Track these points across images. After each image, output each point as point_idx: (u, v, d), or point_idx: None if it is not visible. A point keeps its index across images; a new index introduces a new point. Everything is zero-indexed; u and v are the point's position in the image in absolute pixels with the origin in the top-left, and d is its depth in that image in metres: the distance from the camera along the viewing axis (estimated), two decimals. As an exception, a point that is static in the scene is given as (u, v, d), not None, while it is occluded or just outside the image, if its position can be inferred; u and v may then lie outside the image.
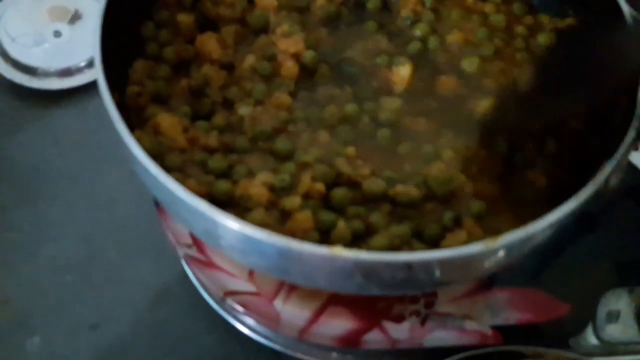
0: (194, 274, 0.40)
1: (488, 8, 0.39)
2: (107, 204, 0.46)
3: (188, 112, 0.32)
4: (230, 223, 0.25)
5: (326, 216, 0.28)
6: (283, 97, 0.33)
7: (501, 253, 0.27)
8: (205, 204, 0.26)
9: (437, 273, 0.26)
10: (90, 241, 0.44)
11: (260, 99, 0.33)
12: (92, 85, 0.49)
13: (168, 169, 0.28)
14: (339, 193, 0.29)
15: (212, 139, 0.31)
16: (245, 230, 0.25)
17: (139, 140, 0.27)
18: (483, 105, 0.34)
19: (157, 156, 0.29)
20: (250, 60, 0.34)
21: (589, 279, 0.40)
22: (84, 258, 0.44)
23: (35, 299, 0.42)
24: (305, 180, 0.29)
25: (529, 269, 0.39)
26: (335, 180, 0.30)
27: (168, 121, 0.31)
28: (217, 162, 0.30)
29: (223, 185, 0.29)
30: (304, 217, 0.27)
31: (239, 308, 0.37)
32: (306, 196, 0.29)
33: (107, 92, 0.28)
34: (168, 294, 0.42)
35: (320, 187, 0.29)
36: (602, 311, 0.37)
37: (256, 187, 0.29)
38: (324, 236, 0.28)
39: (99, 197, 0.46)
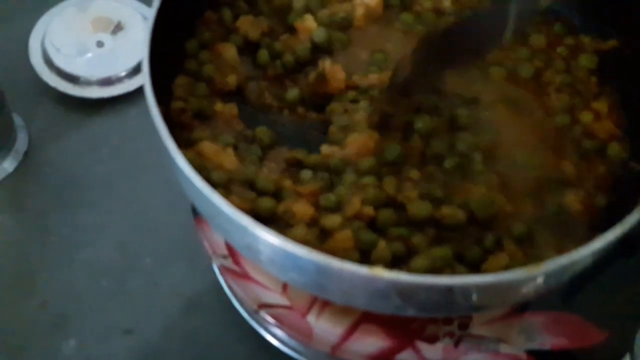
0: (228, 284, 0.41)
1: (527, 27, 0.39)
2: (143, 211, 0.46)
3: (231, 142, 0.32)
4: (271, 238, 0.26)
5: (367, 236, 0.28)
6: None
7: (540, 279, 0.27)
8: (247, 219, 0.26)
9: (475, 297, 0.26)
10: (126, 247, 0.45)
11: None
12: (131, 95, 0.51)
13: (213, 184, 0.28)
14: (384, 215, 0.29)
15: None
16: (285, 246, 0.25)
17: (184, 154, 0.28)
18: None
19: (202, 170, 0.30)
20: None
21: (628, 306, 0.39)
22: (120, 264, 0.44)
23: (72, 302, 0.43)
24: (355, 203, 0.29)
25: (565, 293, 0.38)
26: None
27: (212, 149, 0.31)
28: (265, 182, 0.31)
29: (266, 203, 0.29)
30: (344, 237, 0.27)
31: (272, 320, 0.37)
32: (354, 218, 0.29)
33: (155, 104, 0.29)
34: (201, 303, 0.43)
35: (369, 210, 0.29)
36: (640, 340, 0.36)
37: (301, 205, 0.29)
38: (365, 256, 0.28)
39: (136, 204, 0.47)
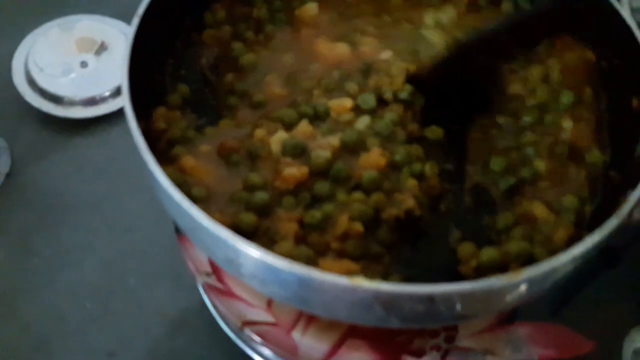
0: (212, 303, 0.40)
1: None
2: (127, 231, 0.46)
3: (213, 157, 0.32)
4: (251, 251, 0.25)
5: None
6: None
7: (523, 287, 0.26)
8: (227, 232, 0.26)
9: (458, 306, 0.26)
10: (110, 268, 0.44)
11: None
12: (115, 115, 0.51)
13: (193, 199, 0.28)
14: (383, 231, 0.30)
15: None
16: (266, 259, 0.25)
17: (164, 170, 0.28)
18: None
19: (182, 185, 0.30)
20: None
21: (614, 316, 0.39)
22: (103, 285, 0.44)
23: (55, 324, 0.42)
24: (343, 221, 0.29)
25: (551, 304, 0.38)
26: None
27: (193, 163, 0.31)
28: (245, 195, 0.30)
29: (248, 218, 0.29)
30: (330, 265, 0.28)
31: (257, 338, 0.37)
32: (344, 237, 0.29)
33: (134, 120, 0.29)
34: (186, 323, 0.42)
35: (358, 227, 0.29)
36: (627, 349, 0.36)
37: (285, 222, 0.29)
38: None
39: (119, 224, 0.46)
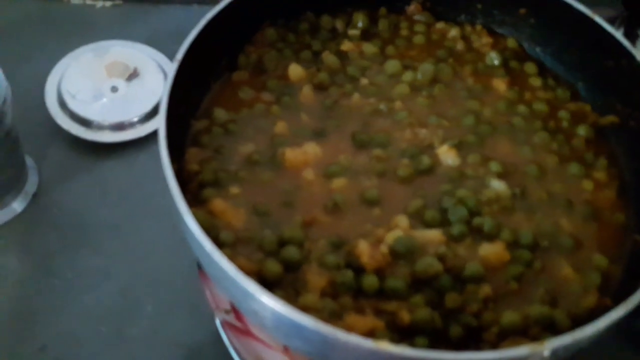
0: (229, 338, 0.41)
1: (529, 95, 0.40)
2: (147, 257, 0.47)
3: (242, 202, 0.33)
4: (277, 306, 0.26)
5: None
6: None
7: (547, 355, 0.26)
8: (254, 285, 0.26)
9: (481, 372, 0.26)
10: (128, 293, 0.45)
11: None
12: (142, 140, 0.51)
13: (221, 244, 0.29)
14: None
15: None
16: (291, 315, 0.26)
17: (195, 215, 0.28)
18: None
19: (210, 229, 0.30)
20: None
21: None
22: (121, 310, 0.44)
23: (70, 347, 0.43)
24: (405, 316, 0.29)
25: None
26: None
27: (222, 207, 0.32)
28: (270, 243, 0.31)
29: (274, 268, 0.29)
30: (354, 321, 0.28)
31: (272, 378, 0.37)
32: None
33: (169, 165, 0.29)
34: (200, 354, 0.43)
35: (406, 317, 0.29)
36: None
37: (314, 275, 0.29)
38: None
39: (140, 250, 0.47)
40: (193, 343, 0.43)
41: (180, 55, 0.32)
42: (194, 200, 0.32)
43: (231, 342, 0.41)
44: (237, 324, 0.37)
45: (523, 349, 0.25)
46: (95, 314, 0.44)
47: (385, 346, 0.24)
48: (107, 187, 0.50)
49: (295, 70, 0.39)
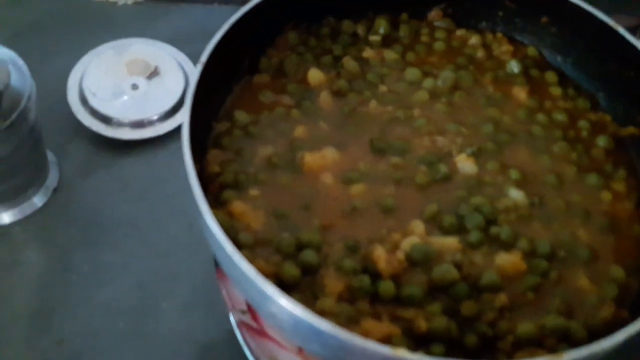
0: (243, 337, 0.41)
1: (549, 104, 0.40)
2: (164, 254, 0.47)
3: (261, 204, 0.33)
4: (296, 310, 0.26)
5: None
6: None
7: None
8: (273, 288, 0.27)
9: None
10: (145, 289, 0.46)
11: None
12: (161, 138, 0.52)
13: (239, 245, 0.29)
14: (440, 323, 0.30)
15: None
16: (309, 319, 0.26)
17: (215, 216, 0.29)
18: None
19: (230, 230, 0.31)
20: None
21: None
22: (137, 305, 0.45)
23: (88, 341, 0.43)
24: (422, 324, 0.29)
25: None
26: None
27: (242, 208, 0.32)
28: (289, 246, 0.31)
29: (292, 271, 0.30)
30: (372, 326, 0.28)
31: (285, 378, 0.37)
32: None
33: (192, 166, 0.30)
34: (214, 352, 0.43)
35: (423, 325, 0.29)
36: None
37: (332, 279, 0.29)
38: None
39: (157, 247, 0.47)
40: (208, 340, 0.44)
41: (204, 57, 0.33)
42: (215, 201, 0.33)
43: (246, 342, 0.41)
44: (253, 324, 0.37)
45: (539, 361, 0.25)
46: (112, 309, 0.45)
47: (403, 354, 0.24)
48: (126, 183, 0.50)
49: (314, 75, 0.39)
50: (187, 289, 0.46)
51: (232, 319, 0.43)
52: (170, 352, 0.43)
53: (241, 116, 0.37)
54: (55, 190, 0.49)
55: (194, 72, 0.33)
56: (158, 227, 0.48)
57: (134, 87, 0.53)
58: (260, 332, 0.37)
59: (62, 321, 0.44)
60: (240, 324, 0.39)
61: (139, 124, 0.52)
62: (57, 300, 0.45)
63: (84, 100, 0.52)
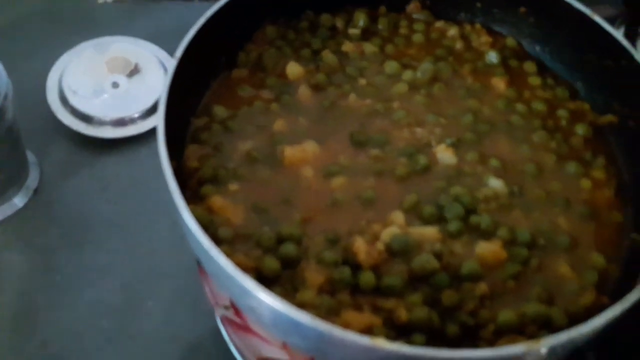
0: (228, 334, 0.41)
1: (528, 94, 0.40)
2: (148, 253, 0.47)
3: (241, 199, 0.33)
4: (275, 303, 0.26)
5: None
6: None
7: (543, 353, 0.27)
8: (251, 282, 0.27)
9: (477, 369, 0.26)
10: (129, 289, 0.45)
11: None
12: (143, 136, 0.52)
13: (219, 240, 0.29)
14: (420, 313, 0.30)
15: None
16: (288, 312, 0.26)
17: (193, 211, 0.29)
18: None
19: (209, 225, 0.30)
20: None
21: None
22: (122, 305, 0.45)
23: (72, 342, 0.43)
24: (402, 314, 0.29)
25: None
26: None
27: (221, 203, 0.32)
28: (269, 240, 0.31)
29: (272, 264, 0.30)
30: (352, 317, 0.28)
31: (271, 374, 0.37)
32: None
33: (168, 161, 0.29)
34: (200, 350, 0.43)
35: (404, 315, 0.29)
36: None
37: (312, 272, 0.29)
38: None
39: (141, 246, 0.47)
40: (193, 339, 0.44)
41: (179, 52, 0.32)
42: (194, 197, 0.33)
43: (231, 338, 0.41)
44: (236, 319, 0.37)
45: (519, 347, 0.25)
46: (96, 309, 0.44)
47: (382, 343, 0.24)
48: (108, 182, 0.50)
49: (293, 69, 0.39)
50: (171, 288, 0.45)
51: (216, 316, 0.43)
52: (156, 352, 0.43)
53: (220, 111, 0.37)
54: (36, 190, 0.49)
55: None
56: (141, 226, 0.48)
57: (115, 85, 0.52)
58: (244, 328, 0.37)
59: (45, 323, 0.43)
60: (225, 320, 0.39)
61: (120, 122, 0.51)
62: (40, 301, 0.44)
63: (64, 100, 0.51)
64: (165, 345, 0.43)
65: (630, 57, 0.37)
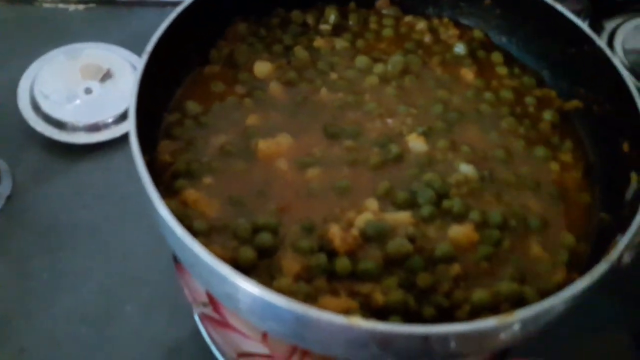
0: (208, 332, 0.41)
1: (496, 83, 0.41)
2: (125, 257, 0.46)
3: (215, 192, 0.33)
4: (250, 288, 0.26)
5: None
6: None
7: (516, 327, 0.27)
8: (227, 268, 0.27)
9: (453, 345, 0.26)
10: (107, 294, 0.45)
11: None
12: (117, 141, 0.51)
13: (194, 232, 0.29)
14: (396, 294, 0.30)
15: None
16: (264, 296, 0.26)
17: (167, 205, 0.28)
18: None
19: (184, 218, 0.30)
20: None
21: (607, 350, 0.39)
22: (100, 310, 0.44)
23: (50, 350, 0.42)
24: (378, 298, 0.29)
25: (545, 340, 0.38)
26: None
27: (195, 196, 0.32)
28: (244, 230, 0.31)
29: (248, 254, 0.30)
30: (328, 302, 0.28)
31: (252, 369, 0.37)
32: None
33: (140, 155, 0.29)
34: (180, 352, 0.43)
35: (380, 298, 0.30)
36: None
37: (288, 260, 0.30)
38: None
39: (117, 250, 0.47)
40: (173, 341, 0.43)
41: (149, 47, 0.33)
42: (168, 191, 0.33)
43: (211, 337, 0.41)
44: (215, 316, 0.37)
45: (492, 321, 0.26)
46: (74, 315, 0.44)
47: (358, 322, 0.25)
48: (83, 188, 0.49)
49: (260, 68, 0.39)
50: (150, 291, 0.45)
51: (196, 317, 0.42)
52: (135, 355, 0.43)
53: (192, 106, 0.37)
54: (9, 197, 0.48)
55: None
56: (117, 230, 0.48)
57: (88, 90, 0.52)
58: (223, 324, 0.37)
59: (23, 330, 0.43)
60: (204, 318, 0.39)
61: (94, 128, 0.51)
62: (17, 308, 0.44)
63: (35, 106, 0.51)
64: (145, 348, 0.43)
65: (592, 43, 0.38)
